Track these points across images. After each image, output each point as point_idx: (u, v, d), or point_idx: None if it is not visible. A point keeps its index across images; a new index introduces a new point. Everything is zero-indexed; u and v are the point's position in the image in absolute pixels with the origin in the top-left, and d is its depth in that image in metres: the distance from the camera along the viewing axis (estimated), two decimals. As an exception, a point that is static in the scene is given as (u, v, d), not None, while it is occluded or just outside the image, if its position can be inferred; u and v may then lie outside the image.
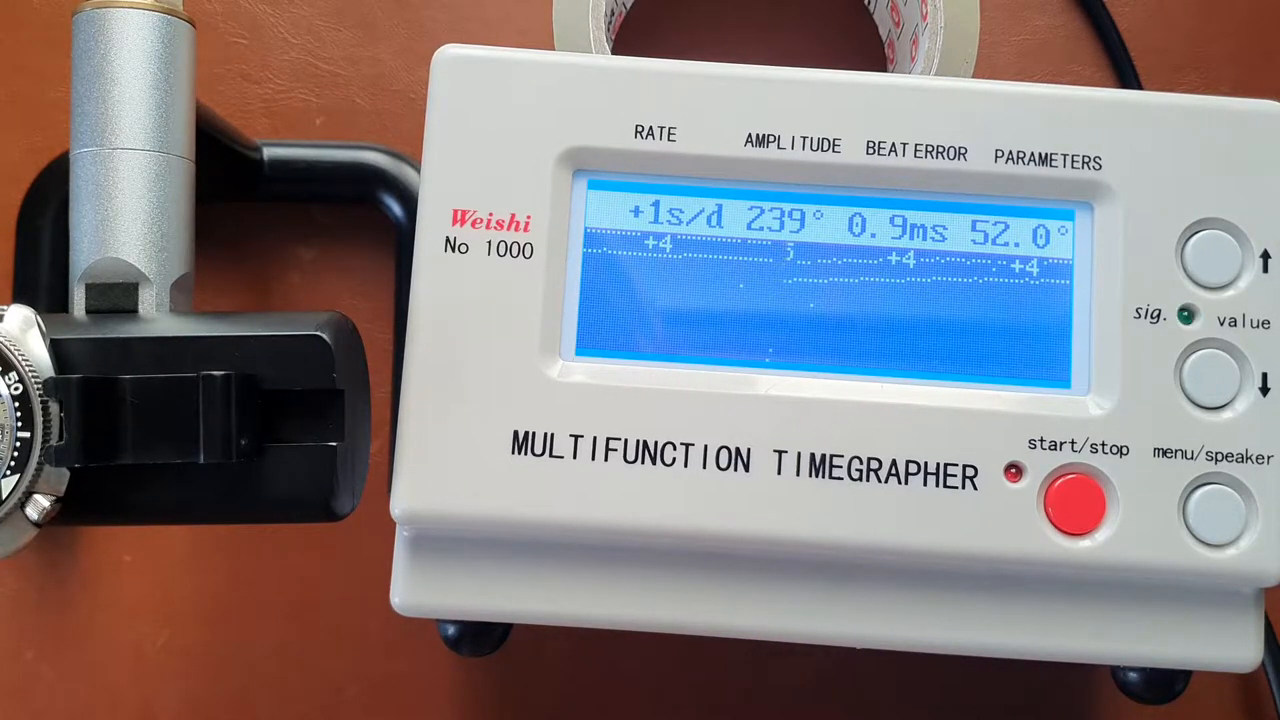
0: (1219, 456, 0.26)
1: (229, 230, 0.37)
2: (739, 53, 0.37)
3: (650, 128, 0.27)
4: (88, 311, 0.26)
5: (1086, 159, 0.27)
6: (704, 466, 0.26)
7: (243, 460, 0.24)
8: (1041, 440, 0.26)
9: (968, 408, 0.26)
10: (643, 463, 0.26)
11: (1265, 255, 0.26)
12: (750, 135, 0.27)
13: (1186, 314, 0.26)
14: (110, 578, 0.36)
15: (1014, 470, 0.26)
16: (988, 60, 0.37)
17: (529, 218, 0.27)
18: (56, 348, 0.24)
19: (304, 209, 0.37)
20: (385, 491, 0.26)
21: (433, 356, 0.26)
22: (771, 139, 0.27)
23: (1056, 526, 0.26)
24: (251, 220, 0.37)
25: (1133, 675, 0.28)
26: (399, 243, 0.36)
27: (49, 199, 0.34)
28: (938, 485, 0.26)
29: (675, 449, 0.26)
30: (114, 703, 0.35)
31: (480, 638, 0.29)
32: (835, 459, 0.26)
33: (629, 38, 0.37)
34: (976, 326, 0.27)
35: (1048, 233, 0.27)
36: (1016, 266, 0.27)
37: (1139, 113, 0.27)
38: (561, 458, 0.26)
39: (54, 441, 0.24)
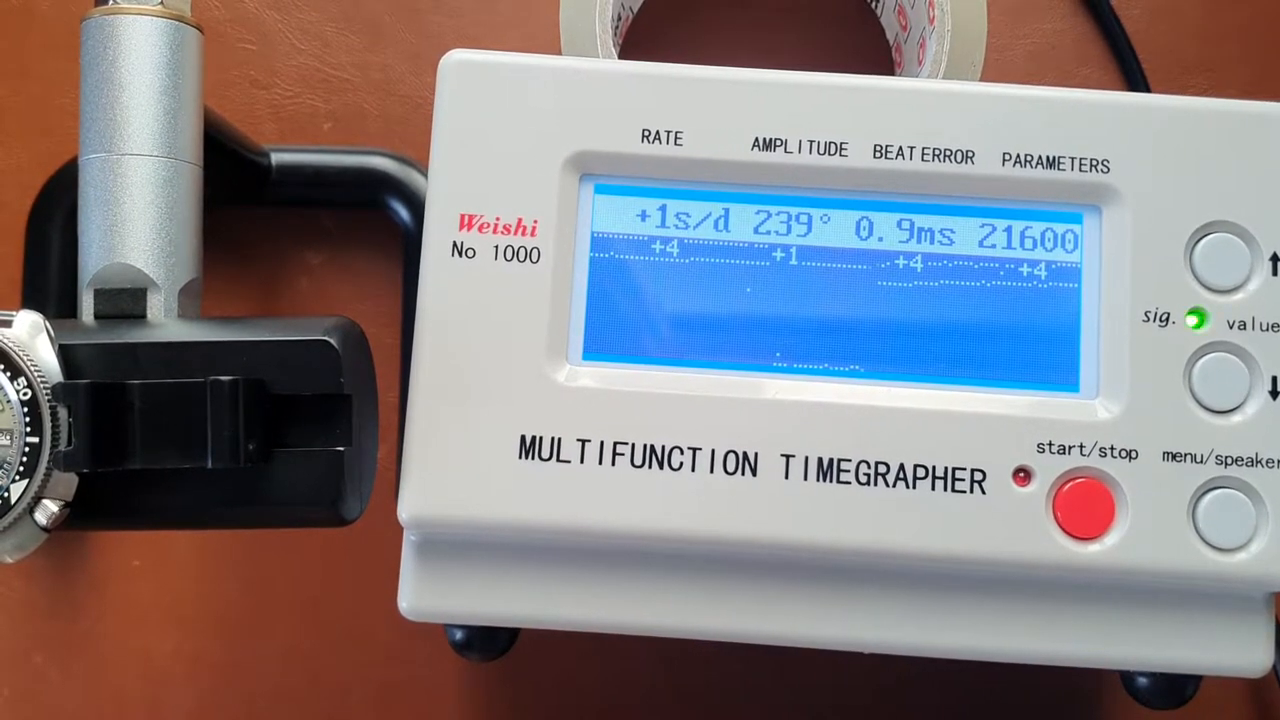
0: (1229, 460, 0.26)
1: (237, 235, 0.37)
2: (745, 57, 0.37)
3: (657, 132, 0.27)
4: (96, 317, 0.26)
5: (1094, 162, 0.27)
6: (711, 471, 0.26)
7: (250, 465, 0.24)
8: (1050, 444, 0.26)
9: (976, 411, 0.26)
10: (650, 467, 0.26)
11: (1275, 258, 0.26)
12: (757, 139, 0.27)
13: (1196, 317, 0.26)
14: (119, 582, 0.36)
15: (1022, 474, 0.26)
16: (995, 64, 0.37)
17: (536, 222, 0.27)
18: (65, 353, 0.24)
19: (312, 214, 0.37)
20: (393, 496, 0.26)
21: (440, 361, 0.26)
22: (778, 143, 0.27)
23: (1065, 530, 0.25)
24: (259, 225, 0.37)
25: (1142, 680, 0.28)
26: (406, 247, 0.36)
27: (58, 205, 0.34)
28: (946, 489, 0.26)
29: (683, 453, 0.26)
30: (123, 707, 0.35)
31: (488, 642, 0.29)
32: (843, 463, 0.26)
33: (636, 42, 0.37)
34: (984, 330, 0.27)
35: (1056, 236, 0.27)
36: (1024, 270, 0.27)
37: (1147, 115, 0.27)
38: (569, 462, 0.26)
39: (62, 446, 0.24)
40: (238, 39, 0.38)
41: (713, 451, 0.26)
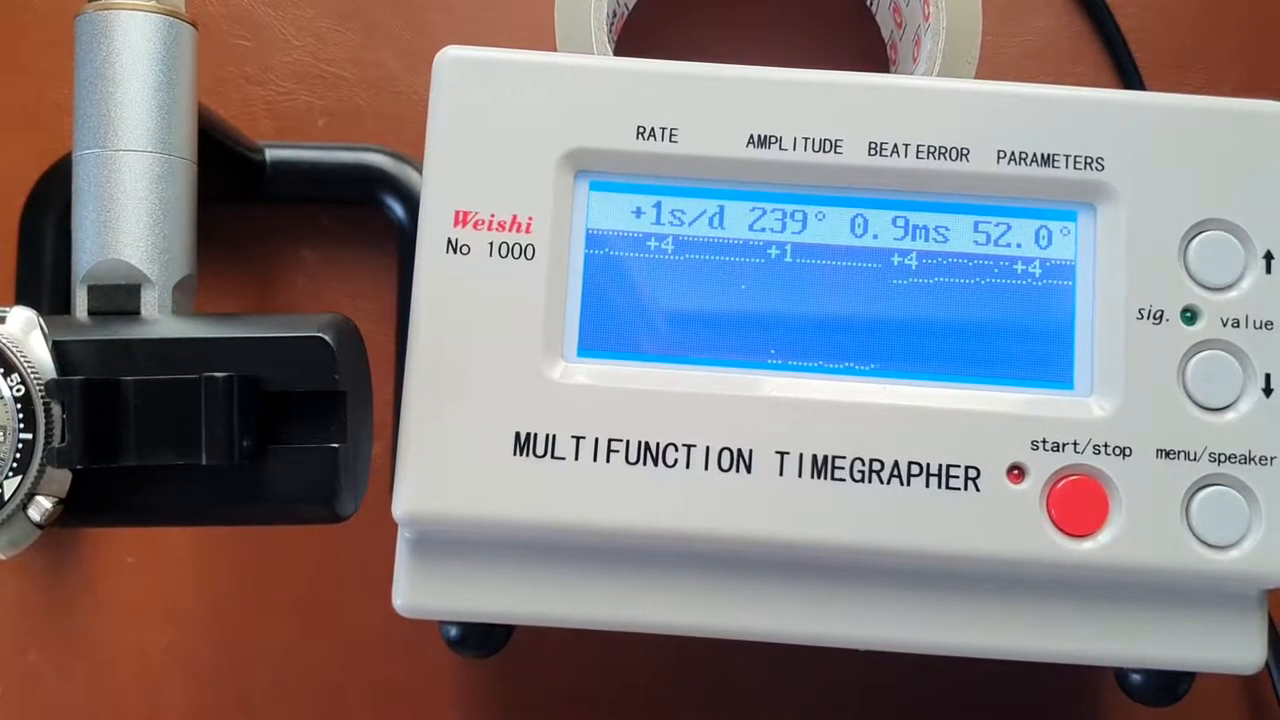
0: (1222, 458, 0.26)
1: (231, 232, 0.37)
2: (741, 54, 0.37)
3: (652, 129, 0.27)
4: (90, 313, 0.26)
5: (1089, 160, 0.27)
6: (706, 468, 0.26)
7: (245, 462, 0.24)
8: (1044, 441, 0.26)
9: (970, 409, 0.26)
10: (644, 464, 0.26)
11: (1268, 256, 0.26)
12: (752, 136, 0.27)
13: (1189, 315, 0.26)
14: (113, 579, 0.36)
15: (1016, 471, 0.26)
16: (990, 61, 0.37)
17: (531, 219, 0.27)
18: (59, 349, 0.24)
19: (306, 210, 0.37)
20: (387, 493, 0.26)
21: (434, 358, 0.26)
22: (773, 140, 0.27)
23: (1059, 528, 0.26)
24: (254, 222, 0.37)
25: (1136, 677, 0.28)
26: (401, 244, 0.36)
27: (52, 201, 0.34)
28: (940, 486, 0.26)
29: (677, 450, 0.26)
30: (118, 704, 0.35)
31: (482, 639, 0.29)
32: (837, 460, 0.26)
33: (631, 39, 0.37)
34: (979, 328, 0.27)
35: (1050, 234, 0.27)
36: (1019, 268, 0.27)
37: (1142, 113, 0.27)
38: (563, 459, 0.26)
39: (56, 443, 0.24)
40: (232, 35, 0.38)
41: (707, 449, 0.26)
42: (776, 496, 0.26)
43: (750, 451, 0.26)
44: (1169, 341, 0.26)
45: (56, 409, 0.24)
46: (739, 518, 0.26)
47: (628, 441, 0.26)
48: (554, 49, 0.33)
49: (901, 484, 0.26)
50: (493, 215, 0.27)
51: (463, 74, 0.27)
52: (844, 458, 0.26)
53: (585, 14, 0.33)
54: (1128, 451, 0.26)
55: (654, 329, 0.27)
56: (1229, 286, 0.26)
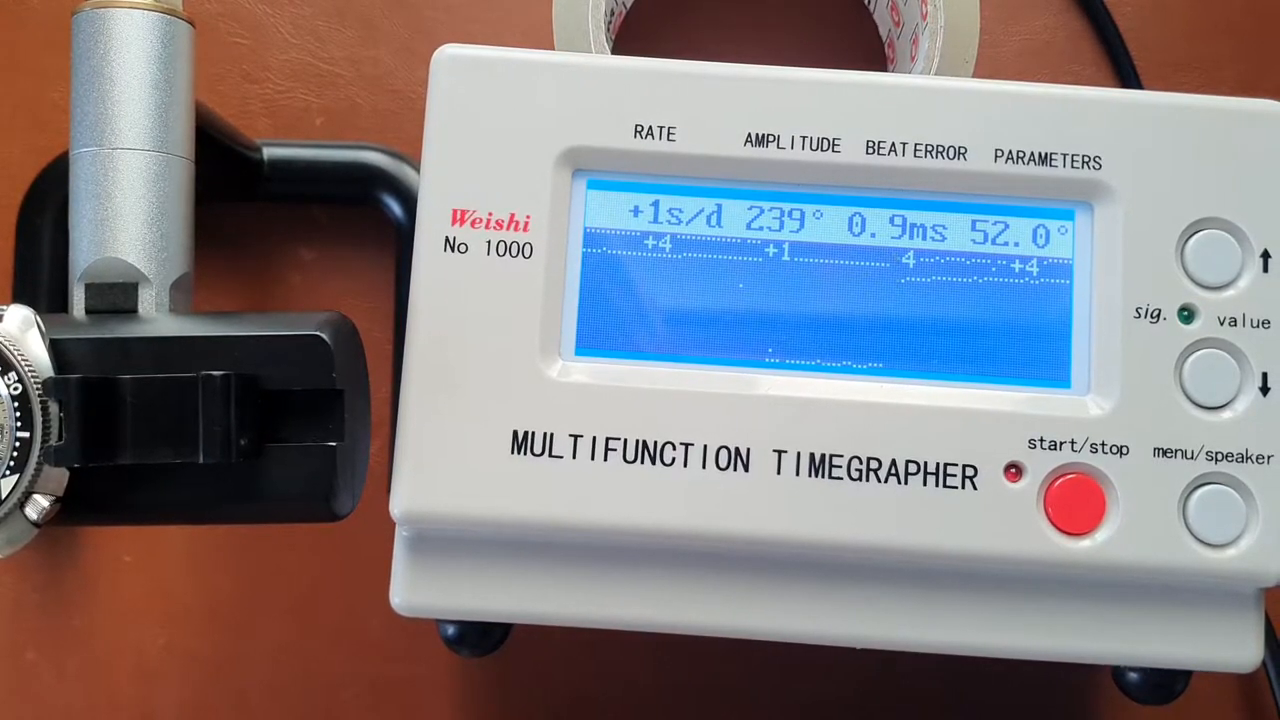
0: (1219, 456, 0.26)
1: (229, 230, 0.37)
2: (739, 52, 0.37)
3: (650, 127, 0.27)
4: (87, 311, 0.26)
5: (1086, 159, 0.27)
6: (704, 466, 0.26)
7: (242, 460, 0.24)
8: (1041, 440, 0.26)
9: (967, 408, 0.26)
10: (642, 463, 0.26)
11: (1265, 255, 0.26)
12: (750, 135, 0.27)
13: (1186, 314, 0.26)
14: (110, 578, 0.36)
15: (1014, 470, 0.26)
16: (988, 60, 0.37)
17: (528, 217, 0.27)
18: (56, 348, 0.24)
19: (304, 209, 0.37)
20: (385, 491, 0.26)
21: (432, 356, 0.26)
22: (771, 139, 0.27)
23: (1056, 526, 0.26)
24: (251, 220, 0.37)
25: (1133, 676, 0.28)
26: (399, 243, 0.36)
27: (49, 199, 0.34)
28: (937, 485, 0.26)
29: (675, 449, 0.26)
30: (115, 703, 0.35)
31: (480, 638, 0.29)
32: (835, 459, 0.26)
33: (629, 37, 0.37)
34: (976, 326, 0.27)
35: (1048, 232, 0.27)
36: (1016, 266, 0.27)
37: (1139, 112, 0.27)
38: (561, 458, 0.26)
39: (53, 441, 0.24)
40: (230, 33, 0.38)
41: (705, 447, 0.26)
42: (774, 495, 0.26)
43: (748, 450, 0.26)
44: (1166, 340, 0.26)
45: (54, 407, 0.24)
46: (736, 516, 0.26)
47: (625, 440, 0.26)
48: (552, 47, 0.33)
49: (899, 483, 0.26)
50: (490, 214, 0.27)
51: (460, 72, 0.27)
52: (841, 456, 0.26)
53: (583, 12, 0.33)
54: (1125, 450, 0.26)
55: (652, 327, 0.27)
56: (1226, 285, 0.26)
